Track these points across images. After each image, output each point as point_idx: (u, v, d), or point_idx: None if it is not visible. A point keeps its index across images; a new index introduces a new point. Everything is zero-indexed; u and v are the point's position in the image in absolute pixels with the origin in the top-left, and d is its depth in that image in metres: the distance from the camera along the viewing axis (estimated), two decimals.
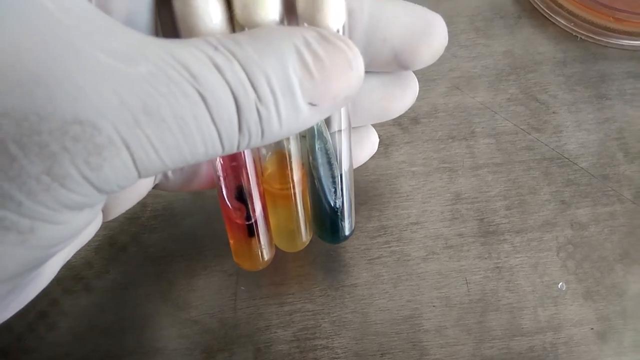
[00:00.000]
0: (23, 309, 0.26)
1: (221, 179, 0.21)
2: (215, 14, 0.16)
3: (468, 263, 0.26)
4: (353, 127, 0.22)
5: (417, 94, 0.23)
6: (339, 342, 0.25)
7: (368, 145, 0.25)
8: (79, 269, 0.27)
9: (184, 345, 0.25)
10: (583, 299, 0.26)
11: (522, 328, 0.25)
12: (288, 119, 0.15)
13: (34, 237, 0.14)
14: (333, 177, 0.21)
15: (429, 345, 0.25)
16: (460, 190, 0.28)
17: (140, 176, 0.14)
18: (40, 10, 0.13)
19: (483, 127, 0.30)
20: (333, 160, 0.21)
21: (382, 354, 0.25)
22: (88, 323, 0.26)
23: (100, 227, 0.27)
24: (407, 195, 0.28)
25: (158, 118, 0.13)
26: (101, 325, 0.26)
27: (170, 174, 0.23)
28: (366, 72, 0.20)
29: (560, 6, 0.34)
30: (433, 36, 0.20)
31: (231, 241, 0.23)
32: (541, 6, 0.34)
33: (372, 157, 0.28)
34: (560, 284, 0.26)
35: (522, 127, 0.30)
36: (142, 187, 0.22)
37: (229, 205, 0.21)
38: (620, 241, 0.27)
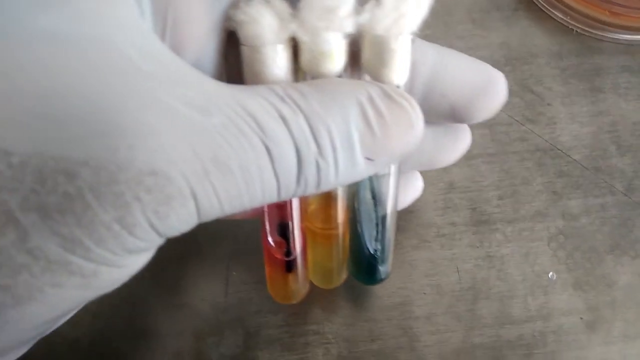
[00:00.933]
0: None
1: (265, 213, 0.21)
2: (282, 62, 0.17)
3: (460, 251, 0.26)
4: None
5: (468, 146, 0.22)
6: (329, 328, 0.25)
7: (412, 190, 0.25)
8: None
9: (175, 329, 0.25)
10: (573, 288, 0.26)
11: (512, 316, 0.25)
12: (345, 171, 0.15)
13: (96, 281, 0.14)
14: (375, 221, 0.21)
15: (419, 331, 0.25)
16: (454, 179, 0.28)
17: (199, 221, 0.14)
18: (121, 56, 0.14)
19: None
20: (376, 205, 0.21)
21: (372, 340, 0.25)
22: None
23: None
24: None
25: (226, 169, 0.14)
26: (91, 308, 0.26)
27: None
28: None
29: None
30: (493, 94, 0.19)
31: (268, 276, 0.23)
32: None
33: None
34: (551, 273, 0.26)
35: (516, 118, 0.30)
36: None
37: (270, 240, 0.22)
38: (610, 232, 0.27)
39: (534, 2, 0.34)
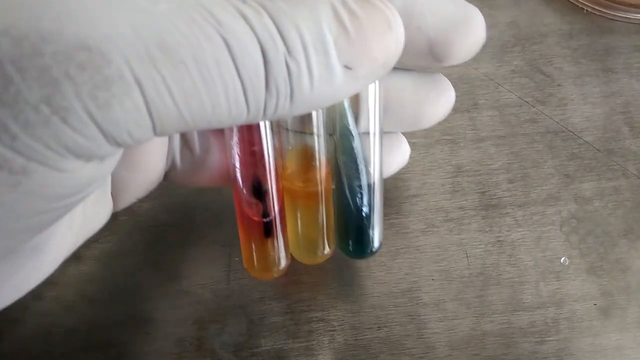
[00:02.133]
0: None
1: (237, 169, 0.19)
2: None
3: (468, 236, 0.26)
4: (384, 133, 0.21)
5: (453, 101, 0.21)
6: (334, 315, 0.24)
7: (398, 154, 0.23)
8: None
9: (176, 316, 0.24)
10: (586, 274, 0.25)
11: (524, 303, 0.24)
12: (320, 80, 0.14)
13: (28, 182, 0.12)
14: (361, 183, 0.20)
15: (427, 318, 0.24)
16: (462, 162, 0.27)
17: (155, 129, 0.13)
18: None
19: (486, 99, 0.29)
20: (362, 162, 0.20)
21: (379, 327, 0.24)
22: (76, 292, 0.25)
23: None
24: (407, 167, 0.27)
25: (176, 58, 0.12)
26: (89, 295, 0.25)
27: (178, 161, 0.21)
28: (399, 69, 0.19)
29: None
30: (471, 29, 0.18)
31: (243, 245, 0.21)
32: None
33: None
34: (563, 258, 0.25)
35: (526, 99, 0.29)
36: (152, 173, 0.20)
37: (245, 199, 0.20)
38: (624, 216, 0.26)
39: None
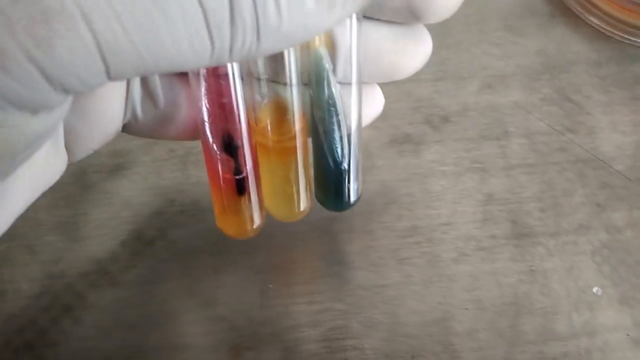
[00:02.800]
0: (47, 302, 0.26)
1: (206, 123, 0.18)
2: None
3: (501, 265, 0.26)
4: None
5: (430, 52, 0.20)
6: (368, 343, 0.25)
7: (373, 103, 0.22)
8: (105, 263, 0.27)
9: (211, 342, 0.25)
10: (619, 304, 0.25)
11: (556, 333, 0.24)
12: (290, 7, 0.12)
13: None
14: (340, 131, 0.19)
15: (461, 348, 0.24)
16: (493, 191, 0.28)
17: (109, 72, 0.11)
18: None
19: (516, 127, 0.29)
20: (341, 113, 0.19)
21: (412, 356, 0.24)
22: (113, 318, 0.26)
23: (127, 222, 0.27)
24: (438, 195, 0.28)
25: None
26: (127, 320, 0.25)
27: (139, 112, 0.19)
28: (376, 19, 0.18)
29: (594, 5, 0.33)
30: None
31: (215, 204, 0.20)
32: (574, 5, 0.33)
33: (403, 155, 0.28)
34: (596, 288, 0.25)
35: (556, 127, 0.29)
36: (108, 123, 0.19)
37: (216, 155, 0.19)
38: None
39: (570, 9, 0.34)
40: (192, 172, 0.29)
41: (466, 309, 0.25)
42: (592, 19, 0.33)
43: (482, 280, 0.26)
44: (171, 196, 0.28)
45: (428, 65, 0.30)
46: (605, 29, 0.32)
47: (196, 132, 0.20)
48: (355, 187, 0.21)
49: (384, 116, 0.29)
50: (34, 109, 0.12)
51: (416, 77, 0.31)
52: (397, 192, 0.28)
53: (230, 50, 0.12)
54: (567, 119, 0.30)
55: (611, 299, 0.25)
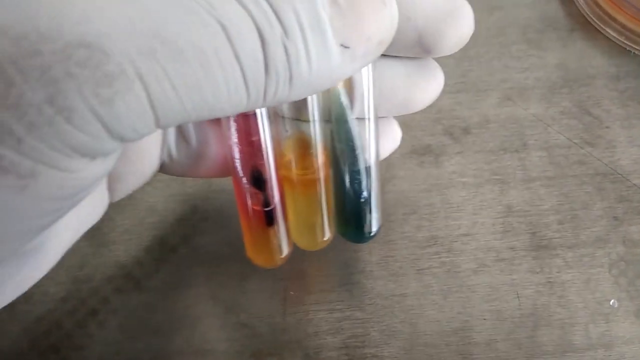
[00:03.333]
0: (72, 306, 0.26)
1: (236, 159, 0.19)
2: None
3: (519, 277, 0.26)
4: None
5: (442, 86, 0.21)
6: (388, 352, 0.25)
7: (390, 139, 0.23)
8: (130, 268, 0.27)
9: (233, 347, 0.25)
10: (635, 316, 0.25)
11: (574, 344, 0.25)
12: (318, 60, 0.14)
13: (35, 185, 0.12)
14: (359, 164, 0.20)
15: (479, 358, 0.25)
16: (512, 202, 0.28)
17: (159, 122, 0.13)
18: None
19: (535, 140, 0.30)
20: (359, 147, 0.20)
21: None
22: (138, 322, 0.26)
23: (151, 228, 0.28)
24: (458, 206, 0.28)
25: (174, 48, 0.12)
26: (151, 325, 0.26)
27: (174, 152, 0.21)
28: (390, 56, 0.19)
29: (613, 19, 0.33)
30: (460, 20, 0.18)
31: (245, 235, 0.22)
32: (593, 18, 0.34)
33: (423, 166, 0.28)
34: (612, 301, 0.26)
35: (575, 140, 0.30)
36: (147, 165, 0.21)
37: (246, 189, 0.20)
38: None
39: (590, 22, 0.34)
40: (215, 181, 0.29)
41: (485, 319, 0.25)
42: (610, 32, 0.33)
43: (501, 291, 0.26)
44: (195, 203, 0.29)
45: (449, 77, 0.31)
46: (624, 43, 0.33)
47: (225, 169, 0.21)
48: (376, 218, 0.22)
49: (405, 127, 0.29)
50: (93, 156, 0.13)
51: None
52: (417, 203, 0.28)
53: (264, 98, 0.14)
54: (586, 132, 0.30)
55: (627, 312, 0.25)
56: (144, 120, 0.13)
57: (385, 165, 0.29)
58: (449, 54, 0.19)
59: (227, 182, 0.29)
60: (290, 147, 0.20)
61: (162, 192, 0.29)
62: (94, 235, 0.28)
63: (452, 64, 0.32)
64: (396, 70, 0.20)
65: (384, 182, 0.29)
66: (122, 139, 0.13)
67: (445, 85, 0.31)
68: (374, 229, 0.22)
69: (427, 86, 0.21)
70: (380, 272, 0.27)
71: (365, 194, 0.21)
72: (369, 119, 0.20)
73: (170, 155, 0.21)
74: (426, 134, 0.30)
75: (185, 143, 0.21)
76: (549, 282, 0.26)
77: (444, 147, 0.30)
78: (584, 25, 0.34)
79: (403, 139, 0.29)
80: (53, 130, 0.12)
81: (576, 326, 0.25)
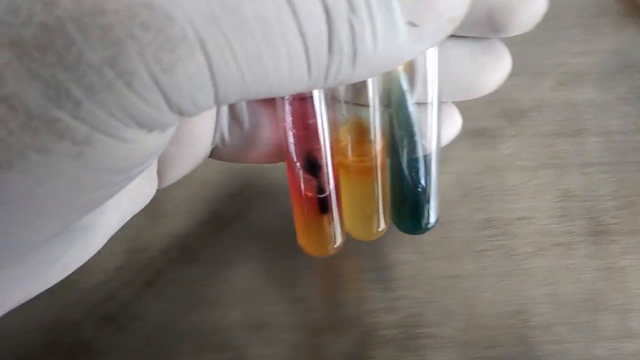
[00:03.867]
0: (128, 276, 0.26)
1: (291, 144, 0.19)
2: None
3: (577, 262, 0.26)
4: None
5: (509, 69, 0.20)
6: (445, 332, 0.25)
7: (451, 123, 0.22)
8: (185, 240, 0.27)
9: (289, 322, 0.25)
10: None
11: (632, 330, 0.25)
12: (384, 39, 0.13)
13: (91, 153, 0.12)
14: (418, 152, 0.20)
15: (537, 341, 0.25)
16: (569, 187, 0.28)
17: (218, 96, 0.12)
18: None
19: (591, 125, 0.30)
20: (419, 134, 0.19)
21: (487, 347, 0.25)
22: (193, 294, 0.26)
23: (206, 201, 0.28)
24: (513, 190, 0.28)
25: (239, 17, 0.11)
26: (207, 297, 0.26)
27: (227, 136, 0.20)
28: (455, 36, 0.18)
29: None
30: None
31: (297, 222, 0.21)
32: None
33: (478, 148, 0.28)
34: None
35: (631, 127, 0.29)
36: (199, 148, 0.20)
37: (299, 174, 0.19)
38: None
39: None
40: None
41: (542, 302, 0.25)
42: None
43: (558, 275, 0.26)
44: (249, 178, 0.28)
45: None
46: None
47: (277, 155, 0.20)
48: (434, 208, 0.21)
49: (460, 109, 0.29)
50: (151, 128, 0.13)
51: None
52: (472, 185, 0.28)
53: (326, 77, 0.13)
54: None
55: None
56: (203, 92, 0.12)
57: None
58: (519, 33, 0.18)
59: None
60: (347, 132, 0.20)
61: (217, 166, 0.29)
62: (149, 207, 0.28)
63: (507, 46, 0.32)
64: (462, 51, 0.19)
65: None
66: (180, 112, 0.12)
67: None
68: (432, 220, 0.21)
69: (494, 69, 0.20)
70: (435, 252, 0.27)
71: (423, 183, 0.20)
72: (431, 103, 0.19)
73: (222, 140, 0.20)
74: (482, 116, 0.30)
75: (238, 127, 0.20)
76: (607, 267, 0.26)
77: (499, 130, 0.30)
78: (637, 11, 0.33)
79: None
80: (112, 96, 0.11)
81: (634, 312, 0.25)
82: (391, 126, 0.20)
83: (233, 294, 0.26)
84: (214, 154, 0.21)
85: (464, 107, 0.30)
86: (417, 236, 0.27)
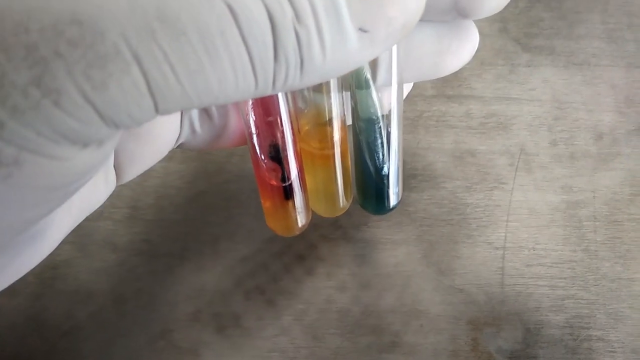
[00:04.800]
0: (279, 249, 0.26)
1: (254, 136, 0.19)
2: None
3: None
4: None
5: (476, 47, 0.19)
6: (615, 336, 0.24)
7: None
8: (337, 217, 0.26)
9: (448, 312, 0.24)
10: None
11: None
12: (333, 47, 0.12)
13: (20, 173, 0.11)
14: (380, 138, 0.19)
15: None
16: None
17: (157, 109, 0.12)
18: None
19: None
20: (380, 120, 0.19)
21: None
22: (347, 274, 0.25)
23: None
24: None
25: (177, 29, 0.11)
26: (361, 278, 0.25)
27: (198, 127, 0.20)
28: (421, 20, 0.17)
29: None
30: None
31: (264, 206, 0.21)
32: None
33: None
34: None
35: None
36: (163, 143, 0.19)
37: (263, 165, 0.19)
38: None
39: None
40: (423, 137, 0.28)
41: None
42: None
43: None
44: (404, 159, 0.27)
45: None
46: None
47: (245, 139, 0.20)
48: (396, 192, 0.21)
49: (630, 102, 0.27)
50: (85, 143, 0.12)
51: None
52: None
53: (274, 85, 0.13)
54: None
55: None
56: (141, 106, 0.11)
57: (610, 140, 0.27)
58: (489, 15, 0.17)
59: (435, 139, 0.28)
60: (309, 119, 0.19)
61: None
62: None
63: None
64: (427, 34, 0.18)
65: (607, 158, 0.27)
66: (117, 126, 0.12)
67: None
68: (394, 202, 0.21)
69: (460, 49, 0.19)
70: (606, 252, 0.25)
71: (385, 168, 0.20)
72: (392, 88, 0.18)
73: (193, 132, 0.20)
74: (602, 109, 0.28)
75: (208, 119, 0.20)
76: None
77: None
78: None
79: (626, 114, 0.27)
80: (39, 115, 0.11)
81: None
82: (353, 113, 0.19)
83: (387, 276, 0.25)
84: (183, 145, 0.20)
85: (634, 102, 0.28)
86: (586, 234, 0.25)
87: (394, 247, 0.26)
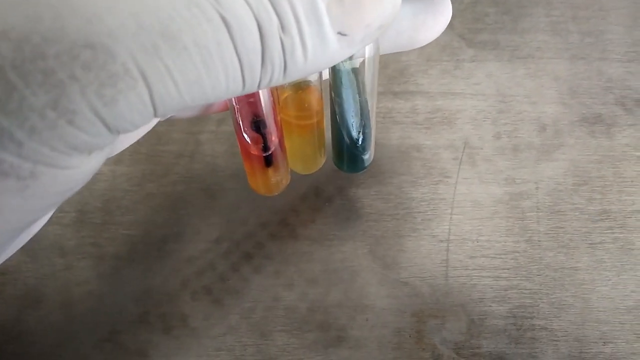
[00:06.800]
0: (226, 248, 0.26)
1: (237, 109, 0.20)
2: None
3: None
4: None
5: (449, 20, 0.20)
6: (558, 325, 0.24)
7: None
8: (285, 214, 0.27)
9: (393, 305, 0.24)
10: None
11: None
12: (314, 51, 0.14)
13: (35, 184, 0.12)
14: (354, 108, 0.20)
15: None
16: None
17: (156, 114, 0.13)
18: None
19: None
20: (355, 92, 0.20)
21: (604, 343, 0.23)
22: (294, 271, 0.25)
23: (306, 176, 0.27)
24: (632, 181, 0.27)
25: (180, 46, 0.12)
26: (308, 275, 0.25)
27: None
28: None
29: None
30: None
31: (247, 171, 0.23)
32: None
33: (594, 136, 0.27)
34: None
35: None
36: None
37: (246, 136, 0.20)
38: None
39: None
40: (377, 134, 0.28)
41: None
42: None
43: None
44: None
45: (619, 45, 0.29)
46: None
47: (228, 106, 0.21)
48: (367, 157, 0.23)
49: (573, 93, 0.28)
50: (91, 151, 0.13)
51: (606, 56, 0.30)
52: (588, 174, 0.27)
53: (259, 85, 0.14)
54: None
55: None
56: (143, 115, 0.12)
57: (554, 132, 0.28)
58: None
59: (388, 135, 0.28)
60: (288, 91, 0.21)
61: None
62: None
63: (622, 32, 0.30)
64: (404, 11, 0.19)
65: (550, 149, 0.27)
66: (119, 132, 0.13)
67: (615, 53, 0.30)
68: (366, 164, 0.23)
69: (434, 24, 0.20)
70: (549, 242, 0.25)
71: (359, 137, 0.21)
72: (367, 62, 0.19)
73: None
74: (596, 103, 0.28)
75: None
76: None
77: (615, 118, 0.28)
78: None
79: (570, 105, 0.27)
80: (54, 133, 0.12)
81: None
82: (330, 85, 0.20)
83: (334, 272, 0.25)
84: (173, 116, 0.21)
85: (577, 92, 0.28)
86: (529, 225, 0.26)
87: (341, 243, 0.26)
